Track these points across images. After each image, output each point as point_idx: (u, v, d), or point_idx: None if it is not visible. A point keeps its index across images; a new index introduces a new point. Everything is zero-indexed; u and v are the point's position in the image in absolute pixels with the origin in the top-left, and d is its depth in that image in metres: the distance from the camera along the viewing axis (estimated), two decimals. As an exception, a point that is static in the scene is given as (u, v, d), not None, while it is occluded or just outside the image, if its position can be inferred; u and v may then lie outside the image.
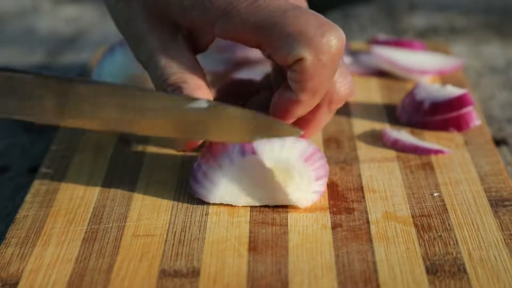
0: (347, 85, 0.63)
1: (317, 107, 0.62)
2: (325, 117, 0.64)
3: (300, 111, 0.61)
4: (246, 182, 0.60)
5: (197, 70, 0.62)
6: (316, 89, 0.59)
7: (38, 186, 0.64)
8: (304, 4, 0.65)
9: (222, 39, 0.62)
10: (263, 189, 0.61)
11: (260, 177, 0.60)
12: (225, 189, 0.61)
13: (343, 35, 0.59)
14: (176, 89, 0.60)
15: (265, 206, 0.61)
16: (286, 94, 0.60)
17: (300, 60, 0.58)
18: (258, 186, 0.61)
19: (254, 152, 0.60)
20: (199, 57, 0.64)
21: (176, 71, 0.61)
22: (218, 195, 0.61)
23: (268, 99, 0.63)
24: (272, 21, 0.58)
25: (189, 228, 0.59)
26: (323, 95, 0.60)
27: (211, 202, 0.61)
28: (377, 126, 0.72)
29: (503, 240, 0.57)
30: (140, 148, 0.69)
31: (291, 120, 0.61)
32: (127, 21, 0.64)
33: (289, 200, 0.61)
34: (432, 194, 0.63)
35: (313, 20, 0.58)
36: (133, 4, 0.63)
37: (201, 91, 0.61)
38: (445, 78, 0.80)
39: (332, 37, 0.58)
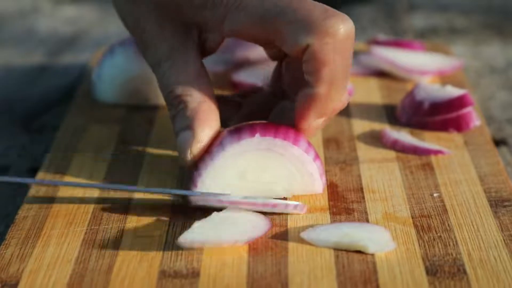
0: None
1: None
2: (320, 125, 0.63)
3: (320, 107, 0.60)
4: (241, 171, 0.60)
5: (203, 78, 0.63)
6: (331, 78, 0.59)
7: (38, 186, 0.64)
8: None
9: (232, 37, 0.61)
10: (261, 179, 0.61)
11: (259, 164, 0.60)
12: (218, 180, 0.60)
13: (350, 22, 0.59)
14: (181, 102, 0.61)
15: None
16: (305, 90, 0.60)
17: (308, 47, 0.58)
18: (256, 174, 0.61)
19: (254, 135, 0.59)
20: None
21: (181, 81, 0.62)
22: (208, 185, 0.60)
23: (263, 97, 0.63)
24: (277, 10, 0.59)
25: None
26: (341, 88, 0.60)
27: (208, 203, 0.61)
28: (377, 126, 0.72)
29: (502, 241, 0.57)
30: (139, 149, 0.69)
31: (313, 121, 0.61)
32: (136, 24, 0.64)
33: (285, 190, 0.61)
34: (432, 195, 0.63)
35: (318, 6, 0.59)
36: (142, 7, 0.63)
37: (206, 104, 0.61)
38: (445, 78, 0.80)
39: (336, 20, 0.58)
